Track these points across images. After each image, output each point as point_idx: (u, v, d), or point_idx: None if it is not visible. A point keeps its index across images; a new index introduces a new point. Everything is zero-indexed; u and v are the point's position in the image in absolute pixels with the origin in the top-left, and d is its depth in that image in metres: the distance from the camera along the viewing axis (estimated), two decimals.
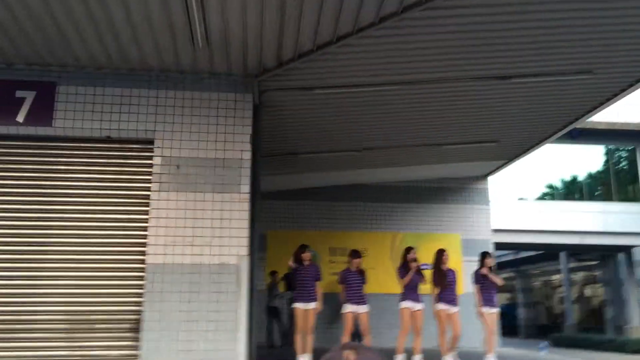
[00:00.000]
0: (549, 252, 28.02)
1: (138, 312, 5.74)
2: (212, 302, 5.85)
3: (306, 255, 7.71)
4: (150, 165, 6.15)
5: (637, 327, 22.26)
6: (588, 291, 33.63)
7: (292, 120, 8.43)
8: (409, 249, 7.88)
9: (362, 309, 7.58)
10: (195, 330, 5.75)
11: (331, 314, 11.93)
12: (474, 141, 9.73)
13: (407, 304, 7.53)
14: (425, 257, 9.02)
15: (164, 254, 5.90)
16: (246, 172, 6.29)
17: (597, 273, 29.32)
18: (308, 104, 7.73)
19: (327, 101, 7.58)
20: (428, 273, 7.92)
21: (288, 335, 11.18)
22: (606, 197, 22.36)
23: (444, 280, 7.69)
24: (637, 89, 7.35)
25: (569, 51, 6.30)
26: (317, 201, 12.72)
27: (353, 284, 7.66)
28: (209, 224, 6.09)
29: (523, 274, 32.32)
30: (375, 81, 6.94)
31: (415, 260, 7.69)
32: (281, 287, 11.53)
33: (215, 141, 6.32)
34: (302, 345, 7.44)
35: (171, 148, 6.22)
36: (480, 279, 7.75)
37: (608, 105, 8.10)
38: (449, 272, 7.83)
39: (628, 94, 7.54)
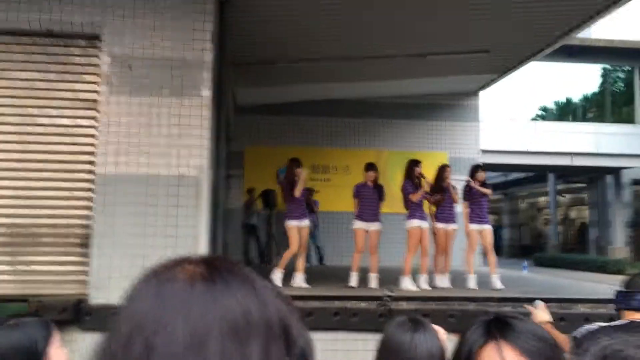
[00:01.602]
0: (537, 174, 27.89)
1: (88, 227, 5.26)
2: (170, 217, 5.37)
3: (300, 171, 6.99)
4: (98, 65, 5.46)
5: (619, 248, 22.51)
6: (573, 213, 33.95)
7: (267, 22, 7.62)
8: (416, 162, 7.14)
9: (374, 226, 6.94)
10: (151, 245, 5.30)
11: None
12: (463, 51, 8.98)
13: (418, 223, 6.93)
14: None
15: (116, 164, 5.35)
16: (208, 75, 5.62)
17: (584, 195, 29.40)
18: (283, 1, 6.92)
19: None
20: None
21: (265, 253, 10.93)
22: (600, 119, 21.87)
23: (444, 197, 7.19)
24: None
25: None
26: (298, 116, 12.07)
27: (367, 198, 6.98)
28: (165, 132, 5.50)
29: (510, 196, 32.40)
30: None
31: (423, 175, 7.09)
32: (259, 205, 11.14)
33: (172, 39, 5.60)
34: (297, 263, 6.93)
35: (121, 45, 5.50)
36: (469, 193, 7.24)
37: (608, 13, 7.35)
38: (450, 188, 7.28)
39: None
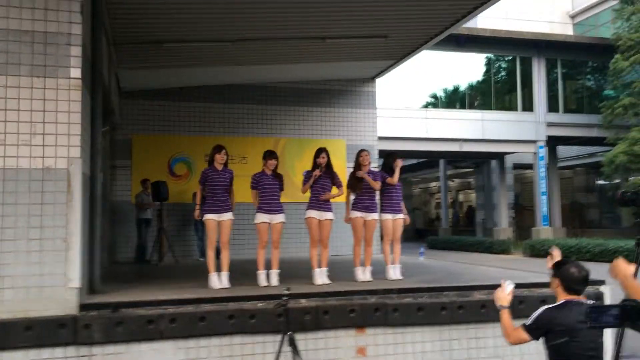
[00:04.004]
0: (429, 160, 28.99)
1: None
2: (33, 216, 4.63)
3: (220, 157, 6.35)
4: None
5: (504, 229, 23.96)
6: (462, 197, 35.83)
7: None
8: (319, 151, 6.71)
9: (277, 218, 6.48)
10: (12, 251, 4.54)
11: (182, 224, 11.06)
12: (361, 35, 8.80)
13: (312, 214, 6.59)
14: (308, 164, 8.08)
15: None
16: (77, 52, 4.90)
17: (471, 179, 31.06)
18: None
19: None
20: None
21: (145, 251, 10.13)
22: (485, 106, 23.02)
23: (361, 185, 6.79)
24: None
25: None
26: (191, 102, 11.32)
27: (268, 189, 6.47)
28: (26, 118, 4.73)
29: (404, 182, 33.56)
30: None
31: (320, 165, 6.60)
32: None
33: (33, 8, 4.81)
34: (215, 262, 6.31)
35: None
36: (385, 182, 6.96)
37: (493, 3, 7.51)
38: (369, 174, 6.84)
39: None
